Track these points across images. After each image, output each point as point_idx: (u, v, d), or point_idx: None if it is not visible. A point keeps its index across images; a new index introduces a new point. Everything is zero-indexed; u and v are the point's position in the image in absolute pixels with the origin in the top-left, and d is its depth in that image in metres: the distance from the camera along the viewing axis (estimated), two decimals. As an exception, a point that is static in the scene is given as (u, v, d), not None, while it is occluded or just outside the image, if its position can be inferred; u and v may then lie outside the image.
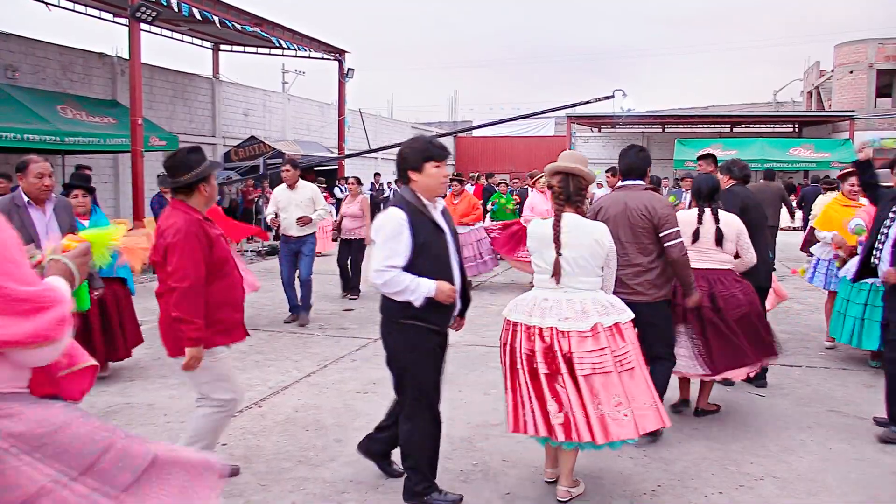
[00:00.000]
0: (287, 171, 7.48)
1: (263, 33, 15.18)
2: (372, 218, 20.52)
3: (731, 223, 4.40)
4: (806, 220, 10.90)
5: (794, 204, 12.02)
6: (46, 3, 13.59)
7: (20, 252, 1.54)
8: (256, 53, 19.10)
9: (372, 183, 20.79)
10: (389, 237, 3.06)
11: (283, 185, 7.53)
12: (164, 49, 55.52)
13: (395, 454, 3.51)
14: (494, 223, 10.44)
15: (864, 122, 25.73)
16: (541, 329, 3.22)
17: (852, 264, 5.26)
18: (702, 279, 4.24)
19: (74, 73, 14.50)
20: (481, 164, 29.35)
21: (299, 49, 17.48)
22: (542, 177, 9.44)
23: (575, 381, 3.14)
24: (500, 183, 12.25)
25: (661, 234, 3.91)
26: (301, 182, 7.55)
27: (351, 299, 8.97)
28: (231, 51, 19.30)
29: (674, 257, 3.92)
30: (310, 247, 7.54)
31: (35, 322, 1.47)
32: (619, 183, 4.26)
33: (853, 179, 6.01)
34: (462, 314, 3.35)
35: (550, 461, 3.56)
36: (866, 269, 4.52)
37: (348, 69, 19.45)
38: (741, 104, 37.08)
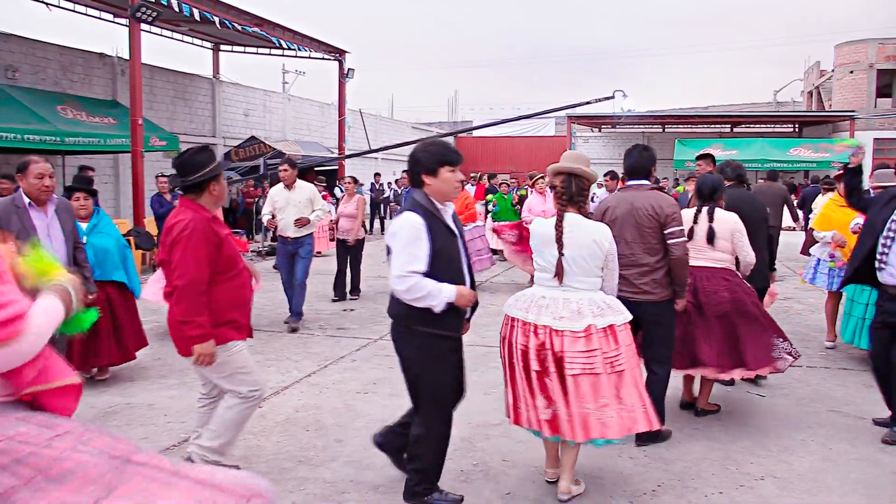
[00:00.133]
0: (285, 170, 7.36)
1: (264, 33, 15.20)
2: (372, 218, 20.51)
3: (725, 221, 4.40)
4: (807, 221, 10.88)
5: (795, 204, 12.00)
6: (46, 4, 13.61)
7: None
8: (256, 53, 19.12)
9: (372, 183, 20.78)
10: (409, 242, 3.01)
11: (281, 185, 7.41)
12: (164, 49, 55.53)
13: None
14: (502, 223, 10.43)
15: (865, 122, 25.75)
16: (536, 326, 3.26)
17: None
18: (689, 275, 4.26)
19: (75, 73, 14.51)
20: (482, 164, 29.34)
21: (299, 49, 17.50)
22: (540, 178, 9.46)
23: (563, 380, 3.18)
24: (501, 184, 12.23)
25: (665, 232, 3.92)
26: (299, 182, 7.44)
27: (351, 299, 8.96)
28: (231, 51, 19.31)
29: (676, 255, 3.93)
30: (307, 249, 7.39)
31: None
32: (626, 183, 4.27)
33: None
34: (469, 318, 3.35)
35: (551, 461, 3.56)
36: (858, 275, 4.44)
37: (348, 69, 19.46)
38: (741, 104, 37.08)
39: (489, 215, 11.31)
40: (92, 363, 5.20)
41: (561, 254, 3.30)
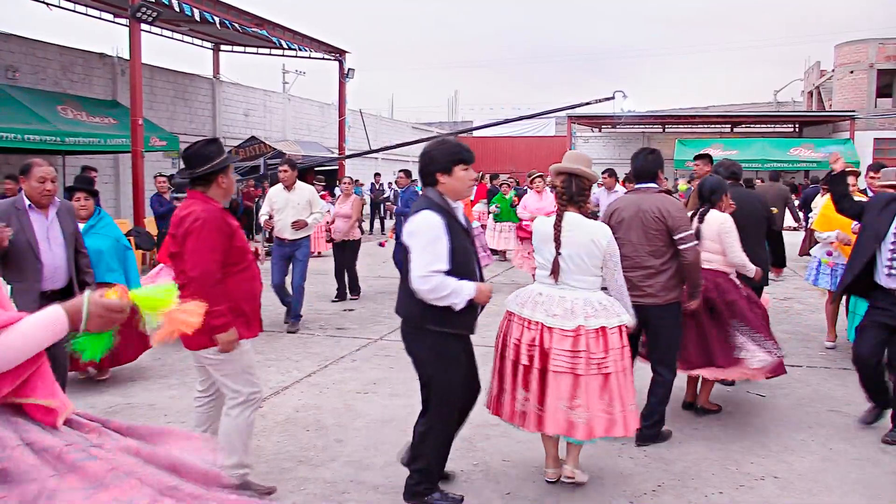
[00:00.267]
0: (285, 171, 7.25)
1: (264, 33, 15.20)
2: (372, 218, 20.43)
3: (712, 222, 4.39)
4: (807, 221, 10.89)
5: (797, 204, 11.99)
6: (47, 3, 13.61)
7: None
8: (257, 54, 19.12)
9: (372, 183, 20.78)
10: (430, 242, 3.01)
11: (280, 186, 7.29)
12: (164, 49, 55.52)
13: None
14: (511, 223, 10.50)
15: (865, 122, 25.75)
16: (529, 321, 3.33)
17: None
18: None
19: (75, 73, 14.52)
20: (482, 164, 29.29)
21: (300, 49, 17.50)
22: (538, 177, 9.52)
23: (544, 374, 3.25)
24: (502, 184, 12.24)
25: (676, 238, 3.93)
26: (298, 184, 7.32)
27: (351, 299, 8.96)
28: (231, 51, 19.32)
29: (689, 260, 3.95)
30: (304, 251, 7.29)
31: None
32: (634, 186, 4.27)
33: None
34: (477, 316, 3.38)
35: (551, 461, 3.57)
36: (857, 283, 4.33)
37: (348, 69, 19.46)
38: (741, 104, 37.09)
39: (490, 216, 11.34)
40: (81, 367, 5.19)
41: (558, 252, 3.35)
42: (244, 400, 3.30)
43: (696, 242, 3.98)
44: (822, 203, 7.46)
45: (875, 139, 25.66)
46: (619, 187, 9.65)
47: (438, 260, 2.99)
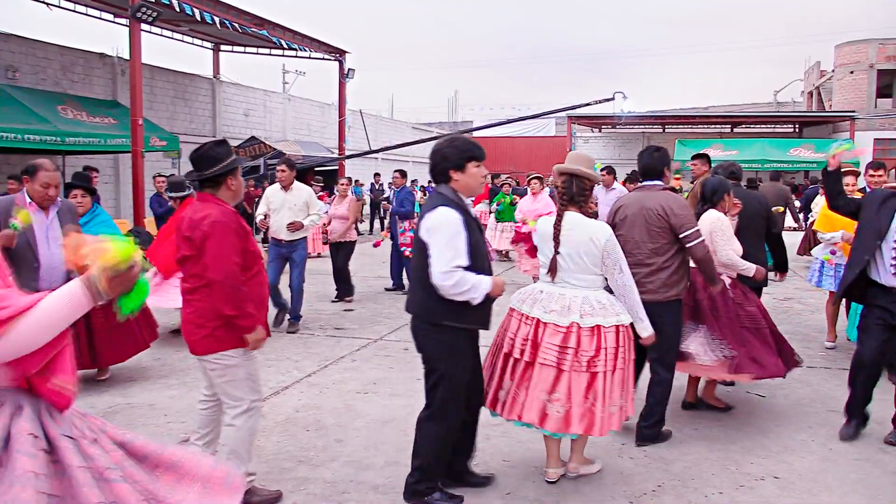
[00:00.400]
0: (283, 171, 7.12)
1: (264, 33, 15.21)
2: (372, 218, 20.41)
3: (705, 221, 4.39)
4: (806, 222, 10.88)
5: (798, 204, 11.99)
6: (47, 3, 13.62)
7: None
8: (257, 54, 19.13)
9: (372, 183, 20.77)
10: (451, 237, 3.02)
11: (277, 186, 7.18)
12: (164, 49, 55.60)
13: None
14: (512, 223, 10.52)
15: (865, 123, 25.75)
16: (527, 316, 3.38)
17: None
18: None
19: (75, 73, 14.52)
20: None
21: (300, 49, 17.51)
22: (534, 178, 9.57)
23: (531, 365, 3.30)
24: (502, 184, 12.26)
25: (681, 236, 3.94)
26: (296, 184, 7.19)
27: (347, 300, 8.95)
28: (231, 51, 19.33)
29: (698, 257, 3.97)
30: (300, 253, 7.18)
31: None
32: (640, 183, 4.28)
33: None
34: None
35: (551, 461, 3.57)
36: (860, 285, 4.24)
37: (348, 69, 19.46)
38: (741, 104, 37.12)
39: (492, 216, 11.36)
40: (100, 362, 5.20)
41: (557, 251, 3.39)
42: (247, 408, 3.26)
43: (702, 239, 3.98)
44: (823, 203, 7.45)
45: (875, 139, 25.66)
46: (617, 185, 9.65)
47: (459, 255, 3.02)
